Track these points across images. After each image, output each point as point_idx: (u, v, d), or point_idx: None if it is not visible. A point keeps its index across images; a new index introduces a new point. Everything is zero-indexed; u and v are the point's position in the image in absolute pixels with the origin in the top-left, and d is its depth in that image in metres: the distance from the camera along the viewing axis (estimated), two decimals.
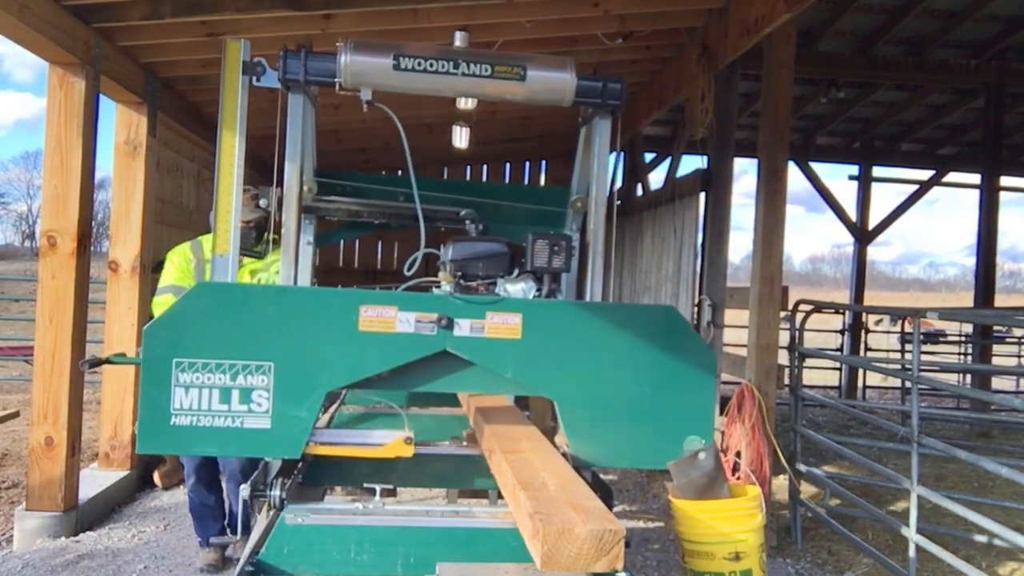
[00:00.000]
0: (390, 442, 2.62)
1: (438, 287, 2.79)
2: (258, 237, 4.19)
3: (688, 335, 2.67)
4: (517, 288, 2.89)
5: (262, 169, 7.73)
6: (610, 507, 2.44)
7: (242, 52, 2.89)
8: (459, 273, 2.89)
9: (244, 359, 2.44)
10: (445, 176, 10.32)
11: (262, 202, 3.41)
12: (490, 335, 2.59)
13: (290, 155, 2.95)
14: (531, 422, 3.19)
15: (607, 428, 2.63)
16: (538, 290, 2.91)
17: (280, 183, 3.08)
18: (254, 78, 2.92)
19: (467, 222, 3.36)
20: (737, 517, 2.67)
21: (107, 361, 2.68)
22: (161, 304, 4.07)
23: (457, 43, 3.02)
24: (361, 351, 2.50)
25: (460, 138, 8.27)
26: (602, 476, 2.73)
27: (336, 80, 2.84)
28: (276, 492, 2.56)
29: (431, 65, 2.84)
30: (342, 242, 11.39)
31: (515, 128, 9.50)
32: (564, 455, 2.60)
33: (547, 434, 3.07)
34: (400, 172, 3.57)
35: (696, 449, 2.62)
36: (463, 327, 2.57)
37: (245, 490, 2.63)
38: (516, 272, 2.96)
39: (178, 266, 4.22)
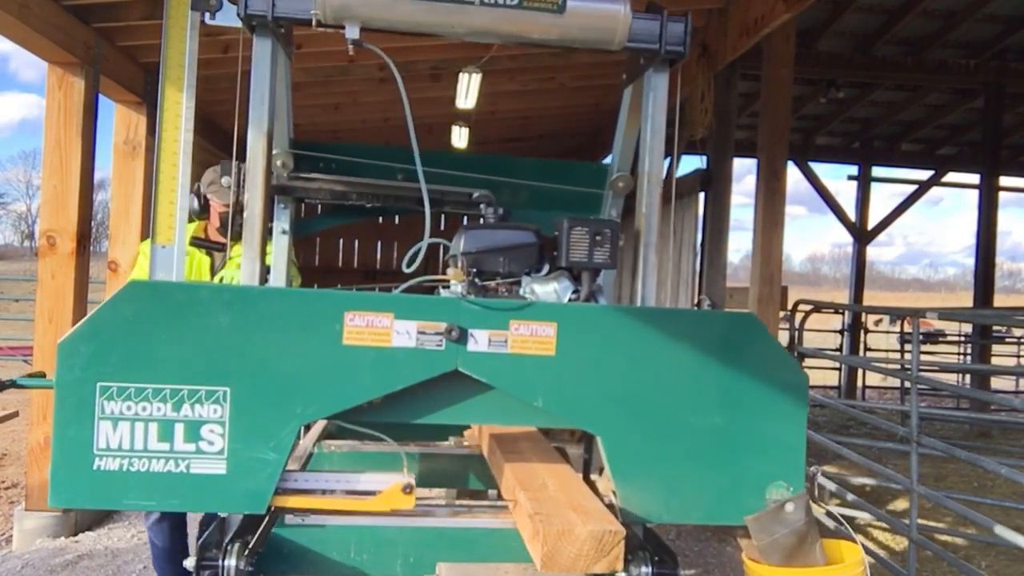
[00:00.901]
0: (385, 490, 2.06)
1: (447, 288, 2.25)
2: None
3: (773, 351, 2.11)
4: (549, 289, 2.32)
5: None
6: None
7: None
8: (474, 270, 2.29)
9: (191, 383, 1.88)
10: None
11: (224, 180, 2.71)
12: (515, 351, 2.02)
13: (255, 118, 2.18)
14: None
15: (667, 473, 2.06)
16: (575, 291, 2.32)
17: (235, 154, 2.38)
18: (206, 14, 2.24)
19: (482, 205, 2.67)
20: None
21: (13, 384, 2.14)
22: None
23: None
24: (346, 372, 1.95)
25: (460, 138, 8.27)
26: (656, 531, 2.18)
27: (312, 14, 2.16)
28: (232, 562, 1.92)
29: None
30: (340, 240, 11.32)
31: (515, 128, 9.50)
32: (611, 507, 2.07)
33: (567, 459, 2.64)
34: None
35: (782, 500, 2.08)
36: (480, 340, 2.02)
37: (190, 562, 1.98)
38: (546, 268, 2.37)
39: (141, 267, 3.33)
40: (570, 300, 2.30)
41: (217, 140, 7.78)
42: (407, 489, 2.05)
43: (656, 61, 2.33)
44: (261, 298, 1.96)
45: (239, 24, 2.23)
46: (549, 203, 2.92)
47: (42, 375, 2.22)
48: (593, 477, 2.47)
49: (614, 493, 2.07)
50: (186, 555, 2.37)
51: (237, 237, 2.95)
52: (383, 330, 1.97)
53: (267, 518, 2.10)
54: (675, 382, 2.06)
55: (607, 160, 2.78)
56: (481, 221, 2.58)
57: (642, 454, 2.06)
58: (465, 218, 2.72)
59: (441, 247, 2.46)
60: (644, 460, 2.06)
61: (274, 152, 2.56)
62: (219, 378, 1.89)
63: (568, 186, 2.92)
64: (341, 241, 11.16)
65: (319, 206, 3.10)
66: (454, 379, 2.01)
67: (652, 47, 2.28)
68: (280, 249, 2.84)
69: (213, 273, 3.38)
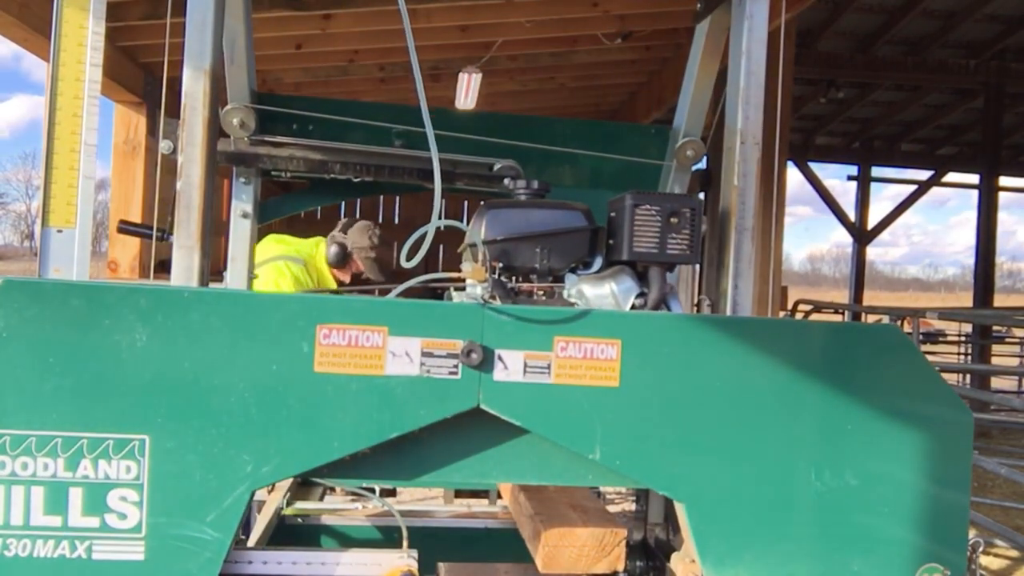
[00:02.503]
0: None
1: (462, 290, 1.70)
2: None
3: (926, 377, 1.50)
4: (604, 292, 1.68)
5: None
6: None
7: None
8: (500, 264, 1.67)
9: (94, 429, 1.29)
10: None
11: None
12: (561, 380, 1.40)
13: (193, 52, 1.66)
14: None
15: (780, 555, 1.46)
16: (641, 295, 1.69)
17: (179, 114, 1.66)
18: None
19: (507, 180, 2.02)
20: None
21: None
22: None
23: None
24: (319, 413, 1.35)
25: (465, 95, 8.24)
26: None
27: None
28: None
29: None
30: None
31: None
32: None
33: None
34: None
35: None
36: (511, 365, 1.40)
37: None
38: (599, 263, 1.75)
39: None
40: (634, 307, 1.69)
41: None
42: (409, 572, 1.51)
43: None
44: (196, 304, 1.32)
45: None
46: (592, 178, 2.21)
47: None
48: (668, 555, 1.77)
49: None
50: None
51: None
52: (373, 351, 1.36)
53: None
54: (789, 424, 1.45)
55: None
56: (508, 198, 1.89)
57: (743, 528, 1.46)
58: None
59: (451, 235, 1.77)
60: (746, 537, 1.47)
61: (228, 107, 1.97)
62: (134, 422, 1.30)
63: (618, 155, 2.20)
64: None
65: (292, 181, 2.29)
66: (474, 420, 1.43)
67: None
68: (241, 237, 2.17)
69: None
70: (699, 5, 2.00)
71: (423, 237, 1.46)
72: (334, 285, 3.61)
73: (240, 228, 2.17)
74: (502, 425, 1.41)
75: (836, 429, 1.44)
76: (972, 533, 1.64)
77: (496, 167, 2.06)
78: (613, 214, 1.71)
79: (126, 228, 2.30)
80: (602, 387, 1.40)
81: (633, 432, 1.42)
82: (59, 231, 1.46)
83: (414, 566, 1.49)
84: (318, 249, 3.73)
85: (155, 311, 1.31)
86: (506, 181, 2.02)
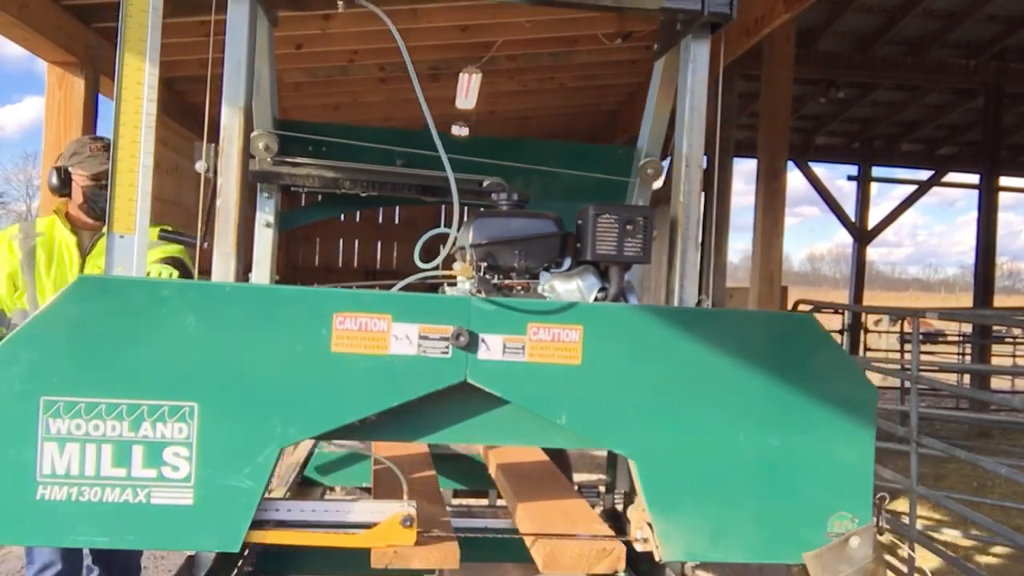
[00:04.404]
0: (382, 522, 1.81)
1: (453, 285, 2.03)
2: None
3: (836, 359, 1.84)
4: (572, 287, 2.02)
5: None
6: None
7: None
8: (485, 264, 1.98)
9: (152, 397, 1.62)
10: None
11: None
12: (534, 359, 1.74)
13: (230, 91, 1.93)
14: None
15: (713, 502, 1.78)
16: (602, 289, 2.02)
17: (217, 139, 1.97)
18: None
19: (494, 194, 2.34)
20: None
21: None
22: None
23: None
24: (335, 385, 1.69)
25: (459, 126, 8.26)
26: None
27: None
28: None
29: None
30: (341, 240, 11.17)
31: (515, 128, 9.50)
32: (645, 542, 1.86)
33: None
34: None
35: (847, 534, 1.81)
36: (492, 347, 1.73)
37: None
38: (569, 263, 2.08)
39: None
40: (596, 299, 2.00)
41: (198, 130, 7.78)
42: (407, 522, 1.79)
43: (696, 25, 2.04)
44: (235, 297, 1.67)
45: None
46: (569, 192, 2.57)
47: None
48: (621, 506, 2.17)
49: (650, 526, 1.78)
50: None
51: (101, 216, 2.69)
52: (379, 335, 1.68)
53: (243, 556, 1.89)
54: (723, 395, 1.77)
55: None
56: (495, 208, 2.22)
57: (684, 480, 1.76)
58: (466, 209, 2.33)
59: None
60: (686, 487, 1.77)
61: (255, 133, 2.28)
62: (185, 392, 1.62)
63: (590, 173, 2.57)
64: (341, 241, 11.14)
65: (309, 195, 2.71)
66: (462, 392, 1.73)
67: (693, 7, 1.99)
68: (264, 243, 2.51)
69: (83, 256, 2.84)
70: (656, 46, 2.38)
71: (436, 240, 1.87)
72: (81, 221, 2.84)
73: (264, 236, 2.52)
74: (484, 396, 1.73)
75: (761, 399, 1.76)
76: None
77: (485, 183, 2.43)
78: (580, 222, 2.03)
79: (168, 236, 2.59)
80: (567, 365, 1.72)
81: (592, 401, 1.74)
82: (121, 236, 1.77)
83: (413, 512, 1.78)
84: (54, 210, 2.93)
85: (202, 303, 1.64)
86: (494, 195, 2.32)
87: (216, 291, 1.70)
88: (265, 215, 2.50)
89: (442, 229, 2.01)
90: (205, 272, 1.91)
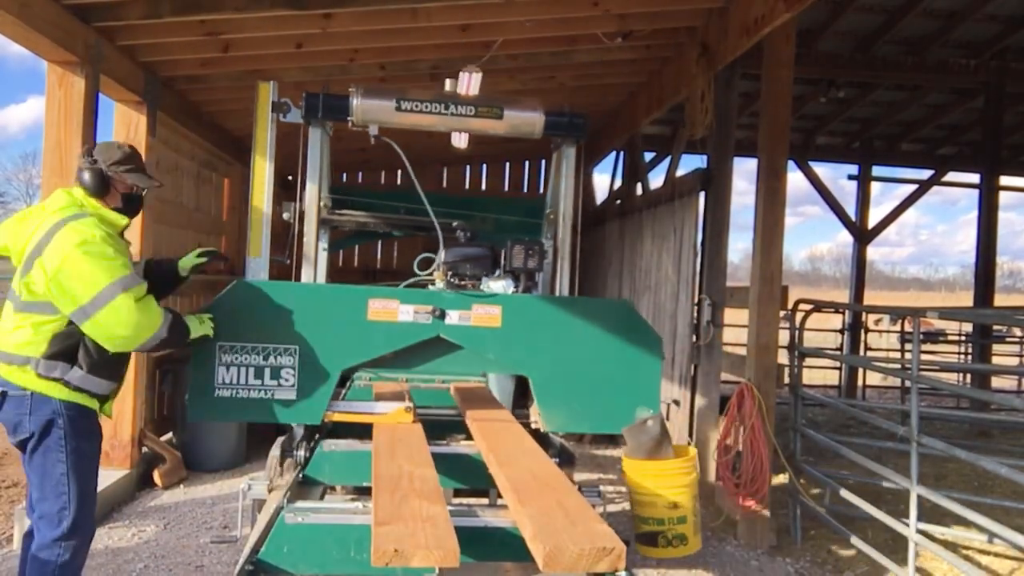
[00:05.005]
0: (392, 411, 3.31)
1: (433, 284, 3.42)
2: (138, 207, 3.27)
3: (639, 323, 3.31)
4: (498, 285, 3.44)
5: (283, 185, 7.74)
6: (572, 468, 3.39)
7: (271, 93, 3.51)
8: (451, 273, 3.42)
9: (274, 343, 3.05)
10: (444, 175, 10.54)
11: (285, 215, 3.72)
12: (475, 323, 3.19)
13: (310, 177, 3.61)
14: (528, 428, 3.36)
15: (572, 400, 3.24)
16: (516, 286, 3.46)
17: (300, 199, 3.65)
18: (281, 115, 3.51)
19: (458, 232, 3.70)
20: (676, 474, 3.20)
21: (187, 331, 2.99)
22: (133, 306, 2.84)
23: (447, 88, 3.87)
24: (369, 336, 3.14)
25: (459, 138, 8.26)
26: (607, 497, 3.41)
27: (349, 119, 3.55)
28: (301, 452, 3.27)
29: (426, 107, 3.50)
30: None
31: None
32: (535, 423, 3.35)
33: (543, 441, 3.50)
34: (399, 178, 4.29)
35: (645, 418, 3.20)
36: (453, 317, 3.19)
37: (277, 444, 3.31)
38: (498, 272, 3.47)
39: (119, 250, 3.00)
40: (512, 292, 3.41)
41: (215, 138, 7.77)
42: (408, 409, 3.33)
43: (566, 141, 3.74)
44: (316, 291, 3.28)
45: (301, 121, 3.57)
46: (503, 228, 4.54)
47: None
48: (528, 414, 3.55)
49: (539, 415, 3.28)
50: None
51: (132, 215, 3.19)
52: (393, 310, 3.17)
53: (315, 437, 3.36)
54: (578, 343, 3.23)
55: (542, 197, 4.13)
56: (457, 241, 3.69)
57: (556, 388, 3.25)
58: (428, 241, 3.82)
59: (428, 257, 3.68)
60: (558, 392, 3.25)
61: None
62: (291, 340, 3.07)
63: (516, 217, 4.51)
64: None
65: (348, 231, 4.45)
66: (437, 341, 3.24)
67: (561, 133, 3.69)
68: (321, 263, 3.81)
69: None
70: (552, 145, 3.83)
71: (429, 260, 3.51)
72: (122, 220, 3.13)
73: (321, 257, 3.81)
74: (449, 344, 3.22)
75: (598, 343, 3.23)
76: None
77: (454, 224, 3.72)
78: (504, 248, 3.46)
79: (206, 252, 3.42)
80: (493, 327, 3.19)
81: (506, 345, 3.20)
82: (253, 258, 3.45)
83: (412, 405, 3.29)
84: (88, 200, 3.11)
85: (299, 295, 3.11)
86: (458, 233, 3.70)
87: (305, 288, 3.34)
88: (323, 243, 3.82)
89: (427, 254, 3.54)
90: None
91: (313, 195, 3.60)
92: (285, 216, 3.70)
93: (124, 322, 2.80)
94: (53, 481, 2.99)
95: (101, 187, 3.07)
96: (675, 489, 3.16)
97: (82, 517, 3.03)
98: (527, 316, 3.20)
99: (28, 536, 3.12)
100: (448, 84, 3.90)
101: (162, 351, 3.37)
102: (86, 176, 3.08)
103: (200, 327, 2.99)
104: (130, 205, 3.15)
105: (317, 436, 3.35)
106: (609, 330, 3.20)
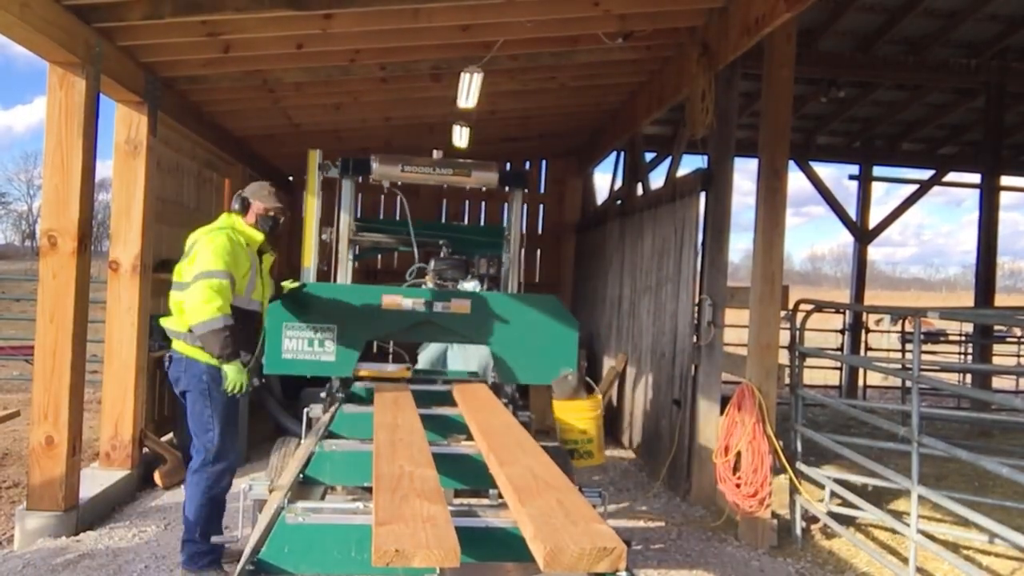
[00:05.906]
0: (397, 370, 5.05)
1: (425, 285, 5.23)
2: (273, 226, 4.41)
3: (562, 311, 4.68)
4: (470, 285, 5.29)
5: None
6: (572, 468, 4.32)
7: (318, 157, 5.25)
8: (437, 276, 5.31)
9: (321, 323, 4.44)
10: (444, 204, 11.18)
11: (324, 237, 5.37)
12: (453, 311, 4.57)
13: (344, 213, 5.35)
14: (528, 422, 3.58)
15: (519, 361, 4.58)
16: (482, 286, 5.30)
17: (335, 226, 5.35)
18: (324, 172, 5.26)
19: (443, 248, 5.57)
20: (585, 411, 4.81)
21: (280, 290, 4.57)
22: (215, 288, 3.89)
23: (435, 156, 5.34)
24: (384, 319, 4.54)
25: (460, 137, 8.26)
26: (600, 494, 3.71)
27: (371, 176, 5.28)
28: (337, 392, 4.63)
29: (422, 169, 5.22)
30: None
31: (515, 127, 9.49)
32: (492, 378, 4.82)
33: (546, 435, 4.61)
34: (407, 210, 5.70)
35: (566, 373, 4.60)
36: (439, 307, 4.56)
37: (278, 445, 4.50)
38: (470, 276, 5.34)
39: (232, 252, 4.06)
40: (479, 290, 5.07)
41: (216, 138, 7.77)
42: (408, 368, 5.11)
43: (513, 189, 5.50)
44: (348, 289, 4.75)
45: (337, 176, 5.30)
46: (476, 246, 5.80)
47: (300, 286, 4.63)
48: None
49: (494, 370, 4.64)
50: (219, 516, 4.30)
51: (266, 232, 4.38)
52: (399, 302, 4.56)
53: (341, 397, 4.53)
54: (521, 323, 4.57)
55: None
56: (441, 254, 5.52)
57: (507, 354, 4.58)
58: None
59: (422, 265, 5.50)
60: (508, 356, 4.58)
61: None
62: (332, 321, 4.45)
63: (484, 238, 6.24)
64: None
65: (368, 246, 6.10)
66: (429, 322, 4.58)
67: (508, 183, 5.47)
68: (346, 272, 5.45)
69: (259, 255, 4.33)
70: (505, 188, 5.49)
71: (423, 270, 5.49)
72: (258, 235, 4.33)
73: (349, 266, 5.50)
74: (437, 324, 4.62)
75: (535, 323, 4.60)
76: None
77: (440, 242, 5.59)
78: (475, 259, 5.41)
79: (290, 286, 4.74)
80: (465, 313, 4.58)
81: (476, 326, 4.58)
82: (305, 267, 5.24)
83: (411, 366, 5.27)
84: (231, 217, 4.36)
85: (336, 291, 4.64)
86: (442, 249, 5.53)
87: (342, 287, 4.97)
88: (351, 256, 5.49)
89: (420, 265, 5.40)
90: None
91: (345, 223, 5.31)
92: (324, 238, 5.35)
93: (193, 298, 3.89)
94: (203, 421, 4.07)
95: (241, 209, 4.33)
96: (585, 420, 4.76)
97: (224, 448, 4.12)
98: (488, 306, 4.57)
99: (188, 467, 4.22)
100: (435, 154, 5.34)
101: (216, 346, 3.91)
102: (234, 200, 4.38)
103: (238, 375, 3.91)
104: (263, 223, 4.35)
105: (340, 397, 4.49)
106: (542, 314, 4.56)
